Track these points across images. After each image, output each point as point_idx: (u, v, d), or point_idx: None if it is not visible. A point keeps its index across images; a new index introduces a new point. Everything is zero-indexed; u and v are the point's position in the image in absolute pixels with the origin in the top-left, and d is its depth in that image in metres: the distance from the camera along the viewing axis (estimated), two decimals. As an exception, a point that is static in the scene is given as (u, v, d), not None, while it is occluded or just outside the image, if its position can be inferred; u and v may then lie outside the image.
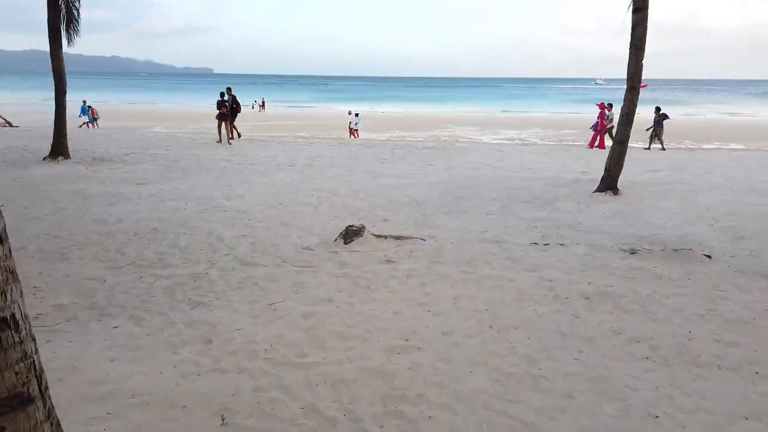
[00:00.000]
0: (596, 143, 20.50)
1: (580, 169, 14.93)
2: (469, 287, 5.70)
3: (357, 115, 26.47)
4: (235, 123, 20.57)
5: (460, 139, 26.25)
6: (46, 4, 14.19)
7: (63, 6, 14.45)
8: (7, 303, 1.80)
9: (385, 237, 7.49)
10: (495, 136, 29.10)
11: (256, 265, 6.33)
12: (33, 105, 42.74)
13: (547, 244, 7.50)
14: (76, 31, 14.78)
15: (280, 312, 4.85)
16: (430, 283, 5.80)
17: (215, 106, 20.39)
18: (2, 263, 1.80)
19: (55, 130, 14.76)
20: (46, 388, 1.98)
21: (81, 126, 26.71)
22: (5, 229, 1.82)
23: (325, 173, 13.65)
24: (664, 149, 20.04)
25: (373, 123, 36.59)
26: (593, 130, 20.90)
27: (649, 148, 19.85)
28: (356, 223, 8.17)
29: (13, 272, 1.85)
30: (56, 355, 3.76)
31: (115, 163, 14.52)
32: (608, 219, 9.32)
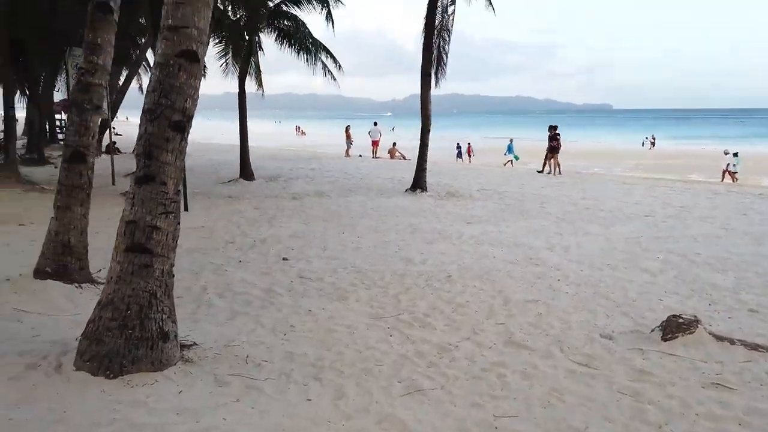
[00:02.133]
0: None
1: None
2: None
3: (736, 155, 22.08)
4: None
5: None
6: (422, 51, 15.59)
7: (435, 51, 15.64)
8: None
9: (732, 342, 5.04)
10: None
11: (522, 347, 4.97)
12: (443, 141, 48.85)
13: None
14: (443, 74, 15.80)
15: (502, 434, 3.47)
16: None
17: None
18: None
19: (417, 165, 16.04)
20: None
21: (505, 164, 26.71)
22: None
23: (687, 230, 10.82)
24: None
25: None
26: None
27: None
28: (694, 309, 5.89)
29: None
30: None
31: (463, 199, 14.81)
32: None
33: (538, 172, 21.59)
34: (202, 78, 4.40)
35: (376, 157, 28.86)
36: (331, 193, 15.33)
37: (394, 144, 30.58)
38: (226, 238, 9.21)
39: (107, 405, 3.38)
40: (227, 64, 18.39)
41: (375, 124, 30.11)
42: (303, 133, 72.35)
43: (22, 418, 3.18)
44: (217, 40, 17.80)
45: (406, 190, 15.85)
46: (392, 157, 29.60)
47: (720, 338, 5.08)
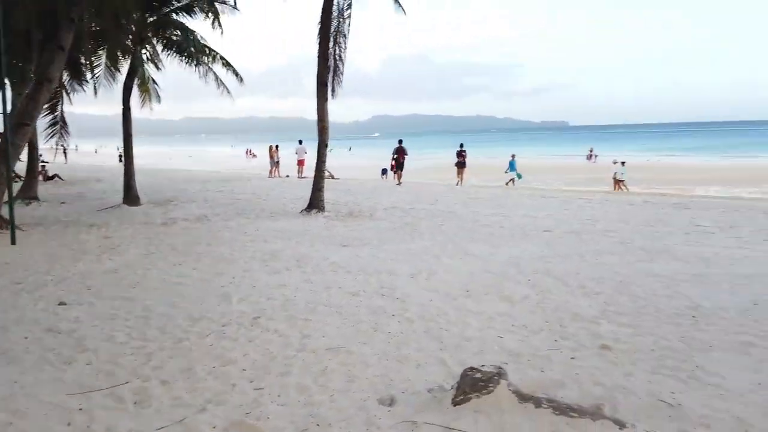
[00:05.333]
0: None
1: None
2: None
3: (623, 164, 23.35)
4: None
5: None
6: (317, 60, 14.35)
7: (331, 60, 14.42)
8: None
9: (538, 403, 3.74)
10: None
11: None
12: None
13: None
14: (340, 84, 14.56)
15: None
16: None
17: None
18: None
19: (313, 183, 14.71)
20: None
21: (507, 183, 25.38)
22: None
23: (582, 246, 9.73)
24: None
25: (733, 174, 28.77)
26: None
27: None
28: (535, 348, 4.66)
29: None
30: None
31: (361, 218, 13.52)
32: None
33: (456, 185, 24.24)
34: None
35: (302, 177, 27.42)
36: (215, 216, 13.81)
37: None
38: (19, 277, 7.59)
39: None
40: (105, 78, 16.79)
41: (300, 142, 28.66)
42: (254, 155, 70.42)
43: None
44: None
45: (302, 211, 14.48)
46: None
47: (525, 398, 3.78)
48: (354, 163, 48.99)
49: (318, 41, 14.43)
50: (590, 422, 3.51)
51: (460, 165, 24.42)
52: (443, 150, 55.47)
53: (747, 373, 4.49)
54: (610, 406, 3.92)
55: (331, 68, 14.60)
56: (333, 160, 39.01)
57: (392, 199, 17.44)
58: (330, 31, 14.49)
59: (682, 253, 8.91)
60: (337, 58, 14.65)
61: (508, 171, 25.70)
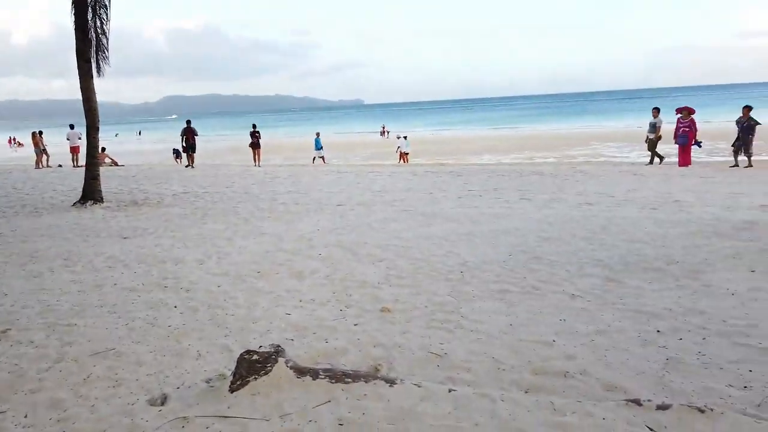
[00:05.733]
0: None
1: (763, 202, 9.77)
2: None
3: (405, 138, 25.78)
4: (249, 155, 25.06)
5: (592, 160, 21.18)
6: (74, 33, 12.68)
7: (92, 34, 12.85)
8: None
9: (315, 375, 3.78)
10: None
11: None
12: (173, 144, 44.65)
13: (671, 407, 3.23)
14: (106, 60, 13.09)
15: None
16: None
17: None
18: None
19: (86, 171, 13.14)
20: None
21: (319, 160, 26.07)
22: None
23: (371, 216, 10.16)
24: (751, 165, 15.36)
25: (501, 144, 32.56)
26: (681, 144, 16.59)
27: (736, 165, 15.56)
28: (320, 319, 4.67)
29: None
30: None
31: (146, 207, 12.44)
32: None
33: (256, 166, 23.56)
34: None
35: (78, 166, 24.34)
36: (-42, 218, 11.57)
37: (103, 149, 26.27)
38: None
39: None
40: None
41: (72, 127, 25.33)
42: (20, 144, 60.54)
43: None
44: None
45: (74, 204, 12.84)
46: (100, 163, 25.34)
47: (303, 372, 3.79)
48: (144, 148, 45.25)
49: (73, 11, 12.75)
50: (364, 384, 3.64)
51: (254, 145, 24.17)
52: (241, 130, 53.97)
53: (502, 317, 5.08)
54: (387, 364, 4.15)
55: (94, 42, 13.03)
56: (119, 146, 35.87)
57: (184, 184, 16.40)
58: (88, 1, 12.88)
59: (455, 215, 9.82)
60: (99, 31, 13.11)
61: (316, 149, 26.23)
